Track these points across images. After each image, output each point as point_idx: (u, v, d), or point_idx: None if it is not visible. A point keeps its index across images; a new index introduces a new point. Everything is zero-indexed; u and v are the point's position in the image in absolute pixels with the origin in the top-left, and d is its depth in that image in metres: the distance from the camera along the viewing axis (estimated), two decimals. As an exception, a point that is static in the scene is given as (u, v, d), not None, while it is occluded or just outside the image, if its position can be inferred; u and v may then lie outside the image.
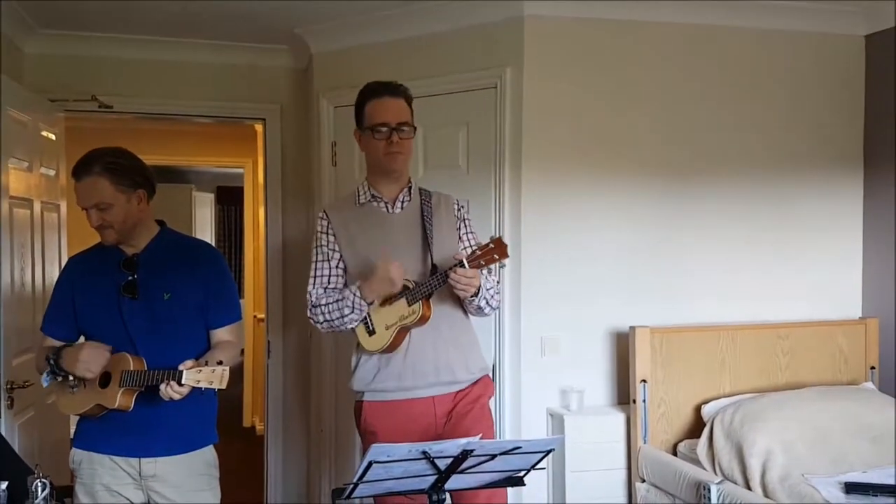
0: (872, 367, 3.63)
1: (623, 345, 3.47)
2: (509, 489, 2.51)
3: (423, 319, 2.43)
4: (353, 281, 2.53)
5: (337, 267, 2.58)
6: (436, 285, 2.41)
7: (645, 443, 3.32)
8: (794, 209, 3.74)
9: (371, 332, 2.50)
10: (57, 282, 2.59)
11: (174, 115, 4.39)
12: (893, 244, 3.63)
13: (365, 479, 1.87)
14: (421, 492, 2.00)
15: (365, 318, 2.50)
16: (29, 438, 3.38)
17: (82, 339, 2.49)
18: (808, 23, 3.68)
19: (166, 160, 6.88)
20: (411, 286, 2.43)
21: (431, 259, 2.51)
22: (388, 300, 2.46)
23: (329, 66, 3.96)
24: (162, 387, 2.22)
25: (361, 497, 1.98)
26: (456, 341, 2.56)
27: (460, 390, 2.57)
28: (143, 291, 2.40)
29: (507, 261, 2.39)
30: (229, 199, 10.20)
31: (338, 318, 2.49)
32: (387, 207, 2.61)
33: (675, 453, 3.35)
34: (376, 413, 2.55)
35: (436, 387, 2.53)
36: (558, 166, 3.45)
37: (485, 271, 2.46)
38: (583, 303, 3.48)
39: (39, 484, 1.97)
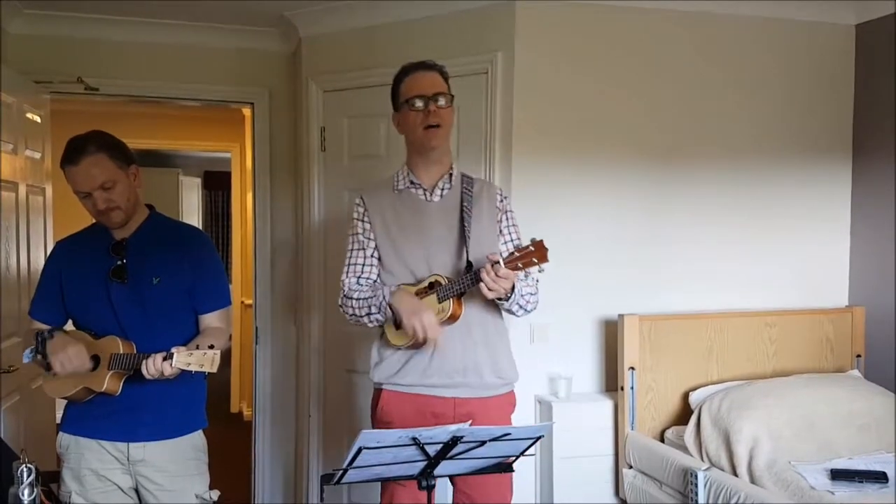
0: (859, 355, 3.66)
1: (611, 332, 3.47)
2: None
3: (452, 318, 2.37)
4: (387, 270, 2.48)
5: (371, 256, 2.51)
6: (468, 284, 2.34)
7: (632, 430, 3.33)
8: (783, 197, 3.75)
9: (399, 326, 2.41)
10: (44, 266, 2.56)
11: (161, 99, 4.33)
12: (880, 233, 3.66)
13: (354, 464, 1.87)
14: (410, 477, 2.00)
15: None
16: (14, 423, 3.35)
17: (70, 324, 2.47)
18: (799, 11, 3.67)
19: (153, 144, 6.82)
20: (444, 282, 2.38)
21: (467, 254, 2.43)
22: (418, 295, 2.39)
23: (318, 49, 3.92)
24: (148, 362, 2.17)
25: (350, 483, 1.98)
26: (487, 343, 2.47)
27: (485, 397, 2.48)
28: (131, 276, 2.37)
29: (545, 265, 2.27)
30: (216, 184, 10.09)
31: (364, 316, 2.44)
32: (425, 195, 2.51)
33: (662, 440, 3.37)
34: (395, 403, 2.48)
35: (461, 388, 2.45)
36: (548, 152, 3.44)
37: (521, 274, 2.37)
38: (572, 290, 3.48)
39: (25, 469, 1.96)
